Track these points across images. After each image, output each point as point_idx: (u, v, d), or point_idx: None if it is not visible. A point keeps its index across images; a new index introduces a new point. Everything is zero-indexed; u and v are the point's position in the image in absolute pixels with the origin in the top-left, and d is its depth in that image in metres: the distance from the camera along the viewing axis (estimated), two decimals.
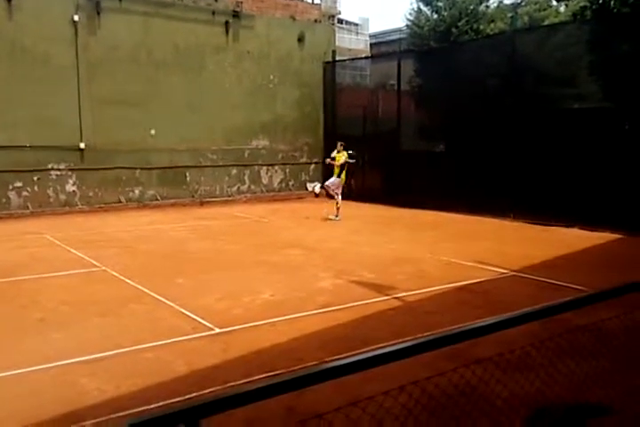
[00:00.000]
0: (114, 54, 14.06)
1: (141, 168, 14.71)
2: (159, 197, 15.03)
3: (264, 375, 4.08)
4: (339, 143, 12.66)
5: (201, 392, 3.83)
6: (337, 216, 12.40)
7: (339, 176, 12.49)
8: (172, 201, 15.13)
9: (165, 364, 4.51)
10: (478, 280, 7.11)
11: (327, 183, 12.72)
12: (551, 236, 10.58)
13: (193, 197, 15.58)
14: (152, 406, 3.61)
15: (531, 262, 7.98)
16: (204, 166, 15.71)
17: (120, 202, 14.49)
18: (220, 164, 15.99)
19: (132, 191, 14.71)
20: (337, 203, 12.48)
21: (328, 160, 12.92)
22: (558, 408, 3.27)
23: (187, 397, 3.75)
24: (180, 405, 1.35)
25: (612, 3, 13.68)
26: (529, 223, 11.70)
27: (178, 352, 4.78)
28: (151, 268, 7.94)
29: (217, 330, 5.28)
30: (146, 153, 14.67)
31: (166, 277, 7.32)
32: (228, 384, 3.97)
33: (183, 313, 5.79)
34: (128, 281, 7.08)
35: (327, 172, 17.72)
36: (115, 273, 7.49)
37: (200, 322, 5.50)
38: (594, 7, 14.56)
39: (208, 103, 15.40)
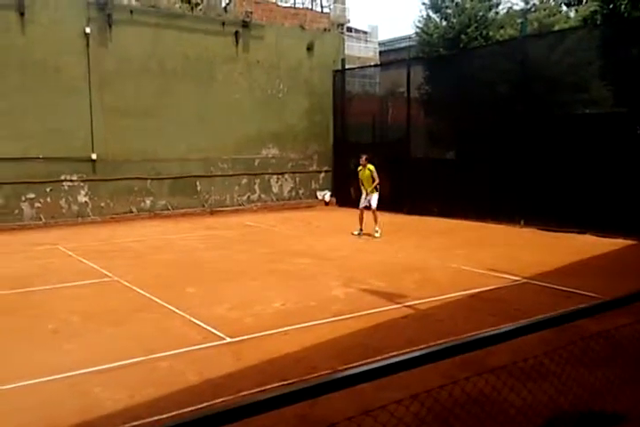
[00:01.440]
0: (125, 65, 14.23)
1: (152, 178, 14.82)
2: (170, 207, 15.12)
3: (277, 384, 4.08)
4: (363, 157, 11.40)
5: (214, 402, 3.84)
6: (379, 230, 11.21)
7: (376, 191, 11.26)
8: (183, 211, 15.22)
9: (178, 373, 4.52)
10: (490, 288, 7.06)
11: (372, 205, 11.18)
12: (563, 242, 10.49)
13: (204, 206, 15.65)
14: (165, 415, 3.62)
15: (543, 269, 7.91)
16: (214, 176, 15.80)
17: (132, 212, 14.59)
18: (231, 173, 16.07)
19: (144, 201, 14.81)
20: (375, 217, 11.24)
21: (373, 188, 11.31)
22: (572, 417, 3.24)
23: (200, 406, 3.75)
24: (193, 415, 1.36)
25: (623, 7, 13.65)
26: (540, 230, 11.62)
27: (190, 362, 4.79)
28: (162, 277, 7.97)
29: (228, 339, 5.29)
30: (157, 163, 14.78)
31: (177, 287, 7.34)
32: (241, 393, 3.97)
33: (194, 322, 5.81)
34: (140, 291, 7.11)
35: (337, 180, 17.83)
36: (126, 283, 7.53)
37: (211, 331, 5.51)
38: (604, 12, 14.52)
39: (218, 113, 15.52)
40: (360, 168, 11.49)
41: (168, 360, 4.80)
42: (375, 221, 11.23)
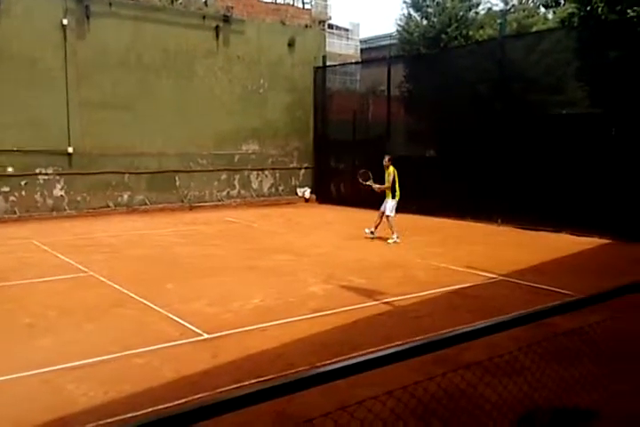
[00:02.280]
0: (103, 58, 14.01)
1: (130, 173, 14.65)
2: (148, 202, 14.96)
3: (255, 381, 4.07)
4: (386, 157, 10.54)
5: (190, 398, 3.81)
6: (396, 237, 10.28)
7: (394, 197, 10.41)
8: (161, 206, 15.07)
9: (154, 370, 4.48)
10: (468, 285, 7.13)
11: (388, 213, 10.39)
12: (539, 241, 10.65)
13: (182, 201, 15.53)
14: (140, 412, 3.58)
15: (520, 267, 8.02)
16: (193, 171, 15.68)
17: (108, 207, 14.40)
18: (210, 168, 15.96)
19: (121, 196, 14.63)
20: (390, 224, 10.40)
21: (378, 186, 10.67)
22: (546, 412, 3.29)
23: (176, 403, 3.73)
24: (169, 411, 1.34)
25: (600, 9, 13.86)
26: (517, 228, 11.77)
27: (166, 358, 4.75)
28: (139, 273, 7.89)
29: (206, 335, 5.26)
30: (135, 157, 14.61)
31: (155, 283, 7.27)
32: (218, 390, 3.95)
33: (172, 319, 5.76)
34: (116, 286, 7.03)
35: (317, 176, 17.83)
36: (103, 278, 7.44)
37: (189, 328, 5.47)
38: (581, 14, 14.74)
39: (198, 107, 15.39)
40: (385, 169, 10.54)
41: (144, 356, 4.76)
42: (390, 228, 10.35)
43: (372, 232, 10.64)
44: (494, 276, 7.59)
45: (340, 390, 2.86)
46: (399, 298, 6.48)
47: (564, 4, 15.43)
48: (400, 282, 7.35)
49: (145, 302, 6.36)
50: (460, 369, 2.44)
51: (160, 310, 6.05)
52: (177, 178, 15.43)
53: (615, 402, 3.19)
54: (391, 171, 10.44)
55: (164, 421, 1.32)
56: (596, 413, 3.31)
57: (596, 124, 11.35)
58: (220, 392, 3.89)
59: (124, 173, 14.54)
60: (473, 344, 2.13)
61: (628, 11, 13.30)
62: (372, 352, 1.80)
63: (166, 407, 3.63)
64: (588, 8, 14.42)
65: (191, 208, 15.40)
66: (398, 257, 8.98)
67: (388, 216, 10.41)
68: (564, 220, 11.11)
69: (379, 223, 10.57)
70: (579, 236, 10.72)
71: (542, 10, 17.24)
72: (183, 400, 3.77)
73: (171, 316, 5.84)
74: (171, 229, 11.97)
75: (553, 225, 11.27)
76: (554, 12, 16.09)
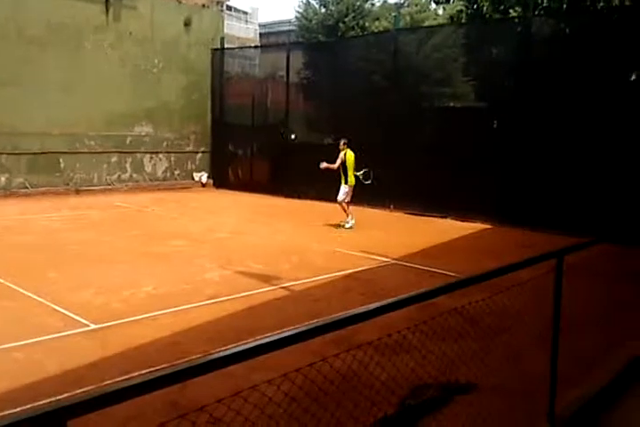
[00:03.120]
0: None
1: (8, 153, 13.48)
2: (29, 186, 13.87)
3: (145, 371, 3.93)
4: (341, 141, 10.49)
5: (74, 392, 3.61)
6: (351, 220, 10.45)
7: (346, 182, 10.40)
8: (45, 189, 14.04)
9: (35, 363, 4.19)
10: (362, 269, 7.37)
11: (340, 198, 10.48)
12: (428, 225, 11.22)
13: (68, 184, 14.56)
14: (19, 408, 3.34)
15: (410, 251, 8.41)
16: (80, 153, 14.72)
17: None
18: (99, 150, 15.09)
19: None
20: (346, 210, 10.50)
21: (324, 165, 10.54)
22: (431, 388, 3.50)
23: (58, 397, 3.52)
24: (45, 406, 1.26)
25: (485, 8, 14.73)
26: (408, 214, 12.31)
27: (50, 351, 4.47)
28: (20, 261, 7.31)
29: (93, 326, 5.00)
30: (13, 137, 13.45)
31: (37, 271, 6.79)
32: (106, 382, 3.78)
33: (55, 309, 5.41)
34: None
35: (215, 161, 17.46)
36: None
37: (74, 318, 5.17)
38: (469, 12, 15.59)
39: (86, 85, 14.42)
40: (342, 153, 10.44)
41: (24, 350, 4.44)
42: (346, 211, 10.48)
43: (349, 221, 10.49)
44: (387, 259, 7.90)
45: (236, 376, 2.84)
46: (296, 282, 6.55)
47: (453, 2, 16.23)
48: (297, 267, 7.43)
49: (25, 292, 5.91)
50: (352, 350, 2.51)
51: (42, 300, 5.66)
52: (61, 160, 14.42)
53: (490, 374, 3.45)
54: (342, 155, 10.37)
55: (36, 418, 1.22)
56: (475, 385, 3.58)
57: (480, 116, 12.08)
58: (108, 384, 3.73)
59: (0, 153, 13.35)
60: (367, 326, 2.20)
61: (511, 10, 14.27)
62: (267, 337, 1.80)
63: (49, 402, 3.41)
64: (475, 6, 15.30)
65: (78, 192, 14.49)
66: (296, 242, 9.07)
67: (340, 203, 10.46)
68: (449, 206, 11.78)
69: (345, 210, 10.52)
70: (463, 221, 11.43)
71: (433, 6, 18.02)
72: (66, 395, 3.56)
73: (54, 306, 5.48)
74: (56, 215, 11.20)
75: (440, 211, 11.91)
76: (444, 9, 16.88)
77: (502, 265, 2.83)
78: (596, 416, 3.48)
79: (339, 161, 10.41)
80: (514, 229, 10.45)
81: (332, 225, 10.68)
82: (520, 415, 3.33)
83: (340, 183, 10.55)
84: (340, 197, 10.51)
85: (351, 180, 10.45)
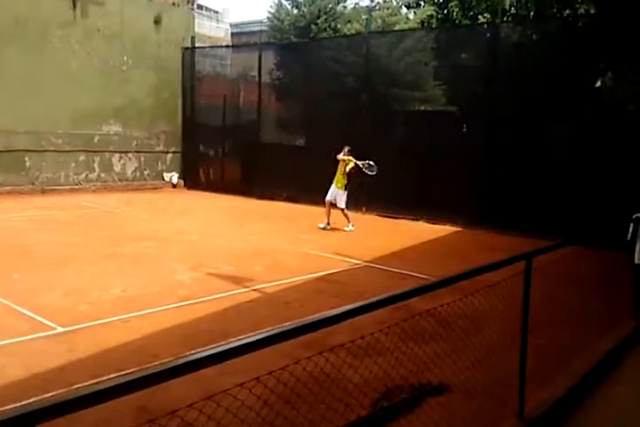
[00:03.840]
0: None
1: None
2: None
3: (114, 375, 3.85)
4: (346, 148, 10.38)
5: (41, 397, 3.52)
6: (351, 225, 10.43)
7: (345, 189, 10.34)
8: (8, 188, 13.66)
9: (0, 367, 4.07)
10: (335, 271, 7.37)
11: (329, 198, 10.41)
12: (400, 228, 11.31)
13: (33, 184, 14.20)
14: None
15: (382, 253, 8.45)
16: (46, 151, 14.38)
17: None
18: (67, 149, 14.76)
19: None
20: (345, 215, 10.46)
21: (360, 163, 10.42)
22: (403, 390, 3.52)
23: (24, 402, 3.42)
24: (11, 411, 1.22)
25: (455, 14, 14.94)
26: (379, 216, 12.39)
27: (14, 355, 4.34)
28: None
29: (60, 329, 4.88)
30: None
31: (1, 273, 6.60)
32: (74, 386, 3.69)
33: (19, 311, 5.27)
34: None
35: (186, 161, 17.25)
36: None
37: (40, 321, 5.04)
38: (439, 17, 15.78)
39: (52, 82, 14.09)
40: (345, 160, 10.32)
41: None
42: (346, 216, 10.45)
43: (327, 224, 10.46)
44: (359, 262, 7.93)
45: (208, 380, 2.81)
46: (268, 285, 6.52)
47: (423, 6, 16.41)
48: (269, 269, 7.40)
49: None
50: (324, 352, 2.51)
51: (6, 302, 5.50)
52: (27, 158, 14.06)
53: (461, 375, 3.49)
54: (349, 160, 10.27)
55: (11, 420, 1.19)
56: (446, 386, 3.61)
57: (450, 120, 12.25)
58: (77, 389, 3.64)
59: None
60: (340, 328, 2.20)
61: (480, 17, 14.51)
62: (240, 339, 1.78)
63: (13, 408, 3.31)
64: (445, 11, 15.51)
65: (43, 192, 14.15)
66: (268, 244, 9.02)
67: (342, 209, 10.37)
68: (421, 208, 11.88)
69: (329, 214, 10.46)
70: (434, 224, 11.56)
71: (404, 10, 18.18)
72: (33, 399, 3.46)
73: (18, 308, 5.33)
74: (20, 215, 10.91)
75: (412, 213, 12.01)
76: (415, 13, 17.04)
77: (472, 267, 2.87)
78: (565, 417, 3.56)
79: (349, 168, 10.29)
80: (484, 232, 10.61)
81: (305, 227, 10.66)
82: (490, 416, 3.38)
83: (337, 189, 10.39)
84: (342, 204, 10.38)
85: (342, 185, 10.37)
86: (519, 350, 3.28)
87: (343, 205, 10.40)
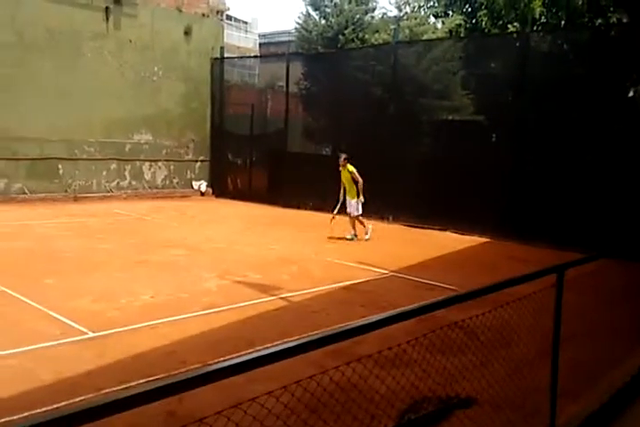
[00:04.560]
0: None
1: (7, 159, 13.47)
2: (27, 191, 13.85)
3: (143, 380, 3.90)
4: (342, 156, 10.42)
5: (70, 401, 3.58)
6: (367, 234, 10.50)
7: (357, 196, 10.27)
8: (43, 195, 14.02)
9: (29, 372, 4.16)
10: (361, 280, 7.35)
11: (348, 210, 10.46)
12: (426, 238, 11.22)
13: (66, 191, 14.54)
14: (16, 416, 3.31)
15: (408, 263, 8.39)
16: (79, 159, 14.73)
17: None
18: (99, 157, 15.10)
19: None
20: (362, 223, 10.57)
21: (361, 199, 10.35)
22: (430, 402, 3.48)
23: (54, 406, 3.48)
24: (48, 414, 1.24)
25: (484, 23, 14.85)
26: (405, 226, 12.31)
27: (45, 359, 4.43)
28: (16, 267, 7.28)
29: (90, 334, 4.97)
30: (12, 142, 13.45)
31: (34, 278, 6.75)
32: (103, 391, 3.75)
33: (52, 316, 5.38)
34: None
35: (214, 170, 17.46)
36: None
37: (71, 326, 5.14)
38: (467, 26, 15.72)
39: (85, 92, 14.45)
40: (341, 169, 10.39)
41: (18, 358, 4.40)
42: (362, 224, 10.53)
43: (354, 234, 10.47)
44: (385, 271, 7.88)
45: (237, 387, 2.81)
46: (294, 293, 6.53)
47: (452, 16, 16.37)
48: (296, 277, 7.41)
49: (21, 297, 5.88)
50: (351, 362, 2.50)
51: (39, 306, 5.63)
52: (60, 166, 14.42)
53: (490, 388, 3.43)
54: (352, 169, 10.26)
55: (42, 425, 1.22)
56: (474, 399, 3.56)
57: (479, 130, 12.13)
58: (105, 393, 3.70)
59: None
60: (367, 338, 2.19)
61: (509, 26, 14.40)
62: (267, 348, 1.79)
63: (44, 411, 3.38)
64: (474, 20, 15.44)
65: (76, 199, 14.47)
66: (294, 252, 9.05)
67: (357, 216, 10.42)
68: (448, 219, 11.77)
69: (354, 225, 10.51)
70: (462, 234, 11.43)
71: (432, 19, 18.14)
72: (63, 404, 3.53)
73: (50, 313, 5.45)
74: (53, 221, 11.17)
75: (439, 223, 11.90)
76: (443, 22, 17.00)
77: (499, 279, 2.83)
78: None
79: (358, 177, 10.27)
80: (512, 243, 10.45)
81: (331, 237, 10.66)
82: None
83: (349, 198, 10.39)
84: (355, 212, 10.40)
85: (353, 194, 10.34)
86: (549, 363, 3.22)
87: (356, 213, 10.40)
